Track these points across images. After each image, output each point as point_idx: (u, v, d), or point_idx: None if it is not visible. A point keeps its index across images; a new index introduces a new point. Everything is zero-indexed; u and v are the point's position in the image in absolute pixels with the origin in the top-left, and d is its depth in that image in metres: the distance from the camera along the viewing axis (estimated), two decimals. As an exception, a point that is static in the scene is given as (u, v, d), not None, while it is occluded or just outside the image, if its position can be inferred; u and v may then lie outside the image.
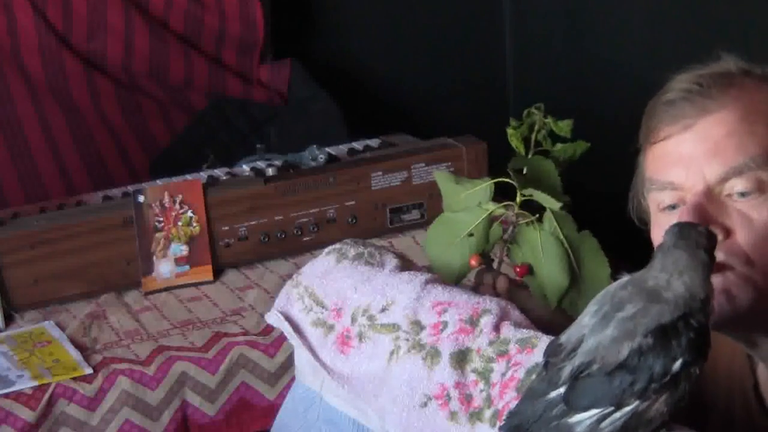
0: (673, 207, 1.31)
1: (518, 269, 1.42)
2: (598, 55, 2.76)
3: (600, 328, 1.10)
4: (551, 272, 1.39)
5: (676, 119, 1.31)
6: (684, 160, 1.30)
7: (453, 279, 1.43)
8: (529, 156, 1.42)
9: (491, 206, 1.41)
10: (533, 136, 1.42)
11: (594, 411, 1.07)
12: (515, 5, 3.01)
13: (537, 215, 1.40)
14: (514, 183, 1.39)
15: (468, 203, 1.42)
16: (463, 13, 3.06)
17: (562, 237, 1.38)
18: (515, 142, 1.42)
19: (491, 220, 1.42)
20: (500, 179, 1.42)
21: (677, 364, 1.07)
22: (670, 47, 2.50)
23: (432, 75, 3.05)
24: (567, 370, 1.09)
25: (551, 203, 1.37)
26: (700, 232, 1.15)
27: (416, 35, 3.03)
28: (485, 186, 1.41)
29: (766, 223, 1.26)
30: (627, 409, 1.07)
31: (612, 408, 1.07)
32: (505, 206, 1.41)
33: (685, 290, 1.10)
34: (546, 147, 1.42)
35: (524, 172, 1.42)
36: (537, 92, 2.99)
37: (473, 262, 1.43)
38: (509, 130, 1.42)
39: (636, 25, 2.66)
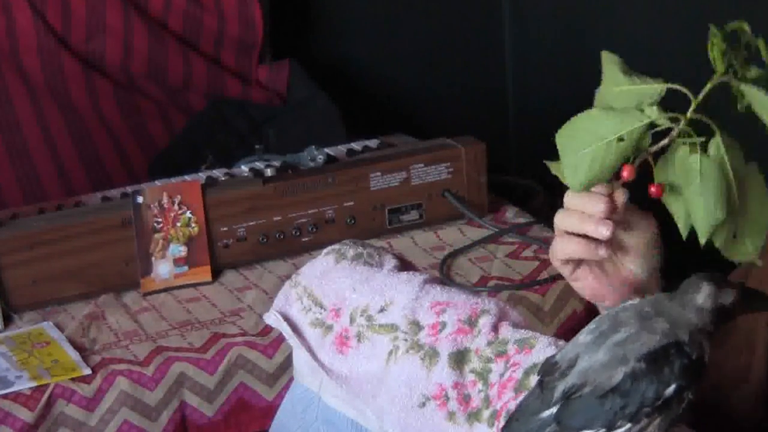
0: None
1: (654, 188, 1.21)
2: (599, 56, 2.76)
3: (594, 350, 1.10)
4: (707, 203, 1.18)
5: None
6: None
7: (579, 185, 1.21)
8: (739, 76, 1.18)
9: (655, 113, 1.19)
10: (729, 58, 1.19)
11: None
12: (515, 5, 3.01)
13: (703, 138, 1.19)
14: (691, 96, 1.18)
15: (627, 101, 1.21)
16: (463, 13, 3.06)
17: (728, 167, 1.19)
18: (716, 54, 1.19)
19: (647, 129, 1.20)
20: (674, 86, 1.20)
21: (671, 389, 1.07)
22: (670, 48, 2.50)
23: (431, 75, 3.05)
24: (560, 390, 1.09)
25: None
26: (724, 281, 1.14)
27: (415, 36, 3.03)
28: (657, 88, 1.20)
29: None
30: (619, 431, 1.07)
31: (604, 430, 1.07)
32: (671, 118, 1.20)
33: (676, 319, 1.11)
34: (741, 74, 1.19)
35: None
36: (537, 93, 2.99)
37: (625, 174, 1.20)
38: (714, 36, 1.18)
39: (636, 25, 2.66)
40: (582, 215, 1.21)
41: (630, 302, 1.15)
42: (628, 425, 1.07)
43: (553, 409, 1.09)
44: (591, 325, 1.13)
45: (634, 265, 1.25)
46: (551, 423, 1.08)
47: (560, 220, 1.23)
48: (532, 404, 1.11)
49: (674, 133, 1.19)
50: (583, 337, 1.12)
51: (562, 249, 1.23)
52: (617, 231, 1.22)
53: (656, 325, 1.10)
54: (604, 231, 1.19)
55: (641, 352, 1.08)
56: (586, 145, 1.19)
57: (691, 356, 1.08)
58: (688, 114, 1.19)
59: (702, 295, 1.13)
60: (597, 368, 1.08)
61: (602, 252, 1.21)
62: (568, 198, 1.22)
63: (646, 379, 1.07)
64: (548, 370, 1.12)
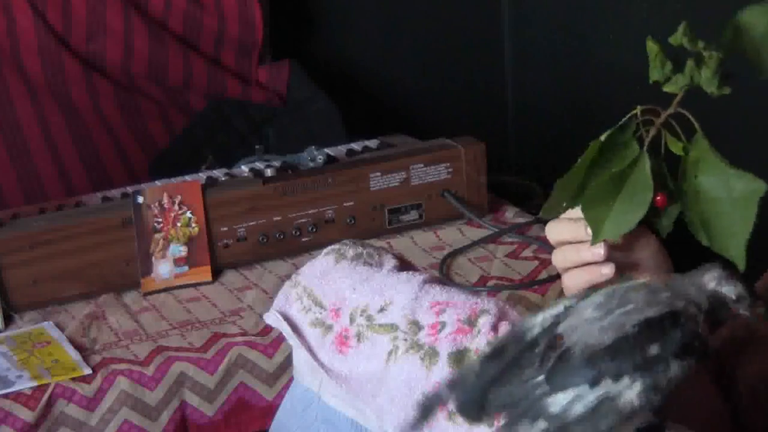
0: None
1: (659, 198, 1.22)
2: (598, 56, 2.77)
3: (597, 322, 1.11)
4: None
5: None
6: None
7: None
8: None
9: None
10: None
11: (570, 391, 1.08)
12: (514, 6, 3.02)
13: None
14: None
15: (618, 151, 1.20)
16: (462, 14, 3.06)
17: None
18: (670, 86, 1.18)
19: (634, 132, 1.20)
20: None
21: (654, 349, 1.08)
22: (669, 49, 2.49)
23: (431, 76, 3.06)
24: (554, 357, 1.10)
25: None
26: (736, 274, 1.16)
27: (415, 36, 3.04)
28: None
29: None
30: (599, 392, 1.08)
31: (587, 386, 1.08)
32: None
33: (679, 292, 1.12)
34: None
35: None
36: (536, 93, 2.99)
37: (659, 199, 1.21)
38: (652, 46, 1.16)
39: (636, 26, 2.67)
40: (576, 246, 1.26)
41: (641, 280, 1.15)
42: (609, 381, 1.08)
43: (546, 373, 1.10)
44: (598, 298, 1.14)
45: (647, 278, 1.28)
46: (542, 384, 1.09)
47: (558, 259, 1.29)
48: (528, 372, 1.12)
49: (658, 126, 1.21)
50: (590, 311, 1.13)
51: (573, 282, 1.28)
52: (620, 254, 1.27)
53: (660, 297, 1.11)
54: (600, 251, 1.24)
55: (639, 319, 1.09)
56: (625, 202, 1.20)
57: (683, 326, 1.09)
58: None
59: (708, 276, 1.14)
60: (595, 333, 1.10)
61: (607, 270, 1.26)
62: (554, 231, 1.28)
63: (635, 339, 1.08)
64: (553, 345, 1.13)
